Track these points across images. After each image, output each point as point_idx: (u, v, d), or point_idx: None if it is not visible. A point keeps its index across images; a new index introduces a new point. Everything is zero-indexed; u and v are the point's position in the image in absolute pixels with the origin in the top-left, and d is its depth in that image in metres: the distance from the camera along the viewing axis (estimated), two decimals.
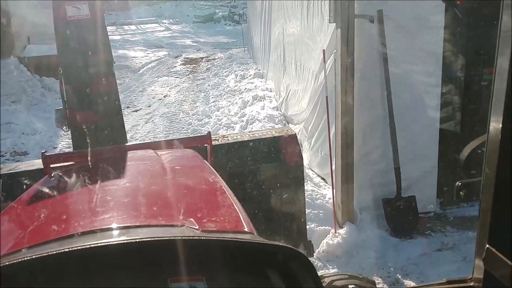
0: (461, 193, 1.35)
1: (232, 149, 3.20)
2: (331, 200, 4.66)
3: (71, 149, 3.77)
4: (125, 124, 3.49)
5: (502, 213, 1.09)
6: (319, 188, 5.25)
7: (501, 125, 1.03)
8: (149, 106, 10.96)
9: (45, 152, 2.25)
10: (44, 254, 1.03)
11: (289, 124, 7.61)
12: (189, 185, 1.83)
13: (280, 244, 1.13)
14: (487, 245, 1.11)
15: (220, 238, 1.20)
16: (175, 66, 16.55)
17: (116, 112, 3.27)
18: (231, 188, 1.77)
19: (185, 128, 8.73)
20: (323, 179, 5.59)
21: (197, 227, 1.26)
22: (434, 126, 4.65)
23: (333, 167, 4.65)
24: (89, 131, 3.16)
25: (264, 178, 3.22)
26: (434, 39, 4.49)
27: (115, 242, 1.15)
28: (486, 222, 1.12)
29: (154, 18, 32.56)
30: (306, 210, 4.31)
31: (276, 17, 9.33)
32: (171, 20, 32.47)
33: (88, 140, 3.07)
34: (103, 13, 3.37)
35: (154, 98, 11.80)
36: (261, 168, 3.22)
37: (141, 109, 10.74)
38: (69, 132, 3.40)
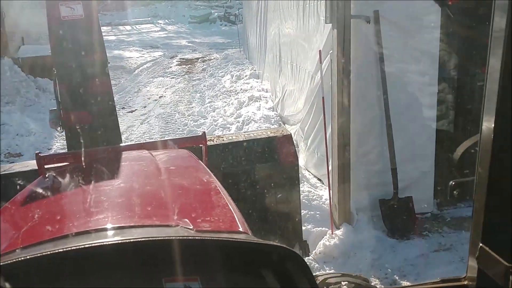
0: (454, 192, 1.36)
1: (227, 150, 3.21)
2: (328, 201, 4.65)
3: (65, 150, 3.75)
4: (120, 125, 3.46)
5: (495, 212, 1.10)
6: (316, 189, 5.23)
7: (493, 125, 1.04)
8: (145, 107, 10.92)
9: (39, 153, 2.26)
10: (38, 255, 1.03)
11: (285, 124, 7.60)
12: (183, 185, 1.84)
13: (275, 243, 1.13)
14: (481, 244, 1.11)
15: (215, 238, 1.20)
16: (171, 67, 16.51)
17: (110, 112, 3.25)
18: (226, 188, 1.77)
19: (180, 129, 8.70)
20: (320, 180, 5.58)
21: (191, 227, 1.26)
22: (430, 127, 4.64)
23: (330, 168, 4.63)
24: (84, 132, 3.14)
25: (259, 178, 3.22)
26: (430, 39, 4.49)
27: (110, 242, 1.15)
28: (479, 221, 1.13)
29: (149, 18, 32.49)
30: (303, 211, 4.30)
31: (272, 17, 9.32)
32: (166, 20, 32.42)
33: (82, 141, 3.05)
34: (97, 13, 3.34)
35: (149, 98, 11.76)
36: (256, 168, 3.23)
37: (136, 109, 10.69)
38: (63, 133, 3.38)
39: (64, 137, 3.40)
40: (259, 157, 3.24)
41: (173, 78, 14.35)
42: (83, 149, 2.42)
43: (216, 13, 30.82)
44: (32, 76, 11.34)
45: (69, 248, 1.05)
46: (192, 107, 10.39)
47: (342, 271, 3.76)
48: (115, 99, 3.55)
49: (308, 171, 5.91)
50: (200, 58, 18.20)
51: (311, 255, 4.06)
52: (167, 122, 9.37)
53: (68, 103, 3.21)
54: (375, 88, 4.51)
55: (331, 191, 4.59)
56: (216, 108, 9.54)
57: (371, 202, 4.62)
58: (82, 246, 1.07)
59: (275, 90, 9.11)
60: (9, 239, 1.34)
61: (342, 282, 1.63)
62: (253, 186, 3.22)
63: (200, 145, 2.62)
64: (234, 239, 1.22)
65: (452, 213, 4.77)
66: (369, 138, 4.64)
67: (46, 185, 1.91)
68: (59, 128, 3.32)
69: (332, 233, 4.33)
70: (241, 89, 10.93)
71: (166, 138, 3.31)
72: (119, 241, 1.15)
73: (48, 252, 1.04)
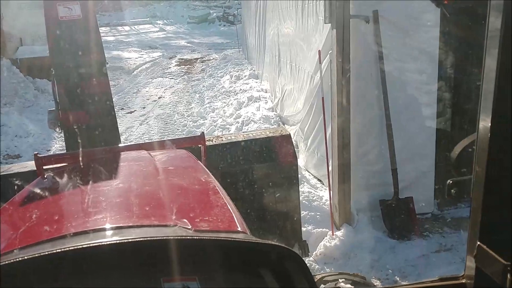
0: (452, 191, 1.37)
1: (226, 150, 3.20)
2: (328, 201, 4.63)
3: (64, 151, 3.73)
4: (118, 126, 3.45)
5: (493, 211, 1.10)
6: (316, 190, 5.21)
7: (490, 124, 1.04)
8: (144, 107, 10.89)
9: (37, 153, 2.27)
10: (36, 255, 1.03)
11: (285, 125, 7.58)
12: (182, 185, 1.84)
13: (273, 243, 1.13)
14: (478, 243, 1.11)
15: (213, 238, 1.20)
16: (170, 67, 16.48)
17: (109, 113, 3.25)
18: (224, 188, 1.78)
19: (180, 130, 8.68)
20: (320, 180, 5.56)
21: (190, 227, 1.27)
22: (430, 126, 4.63)
23: (330, 168, 4.61)
24: (82, 132, 3.13)
25: (258, 178, 3.22)
26: (429, 38, 4.48)
27: (108, 242, 1.15)
28: (477, 219, 1.13)
29: (148, 19, 32.45)
30: (303, 212, 4.29)
31: (270, 17, 9.30)
32: (165, 21, 32.38)
33: (81, 141, 3.04)
34: (95, 13, 3.33)
35: (148, 99, 11.74)
36: (255, 168, 3.23)
37: (135, 110, 10.67)
38: (62, 134, 3.37)
39: (63, 139, 3.39)
40: (258, 157, 3.25)
41: (172, 78, 14.32)
42: (81, 149, 2.41)
43: (214, 13, 30.79)
44: (30, 77, 11.32)
45: (67, 248, 1.05)
46: (192, 107, 10.37)
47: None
48: (114, 100, 3.54)
49: (308, 171, 5.89)
50: (199, 58, 18.18)
51: (312, 256, 4.04)
52: (166, 123, 9.35)
53: (67, 104, 3.19)
54: (375, 88, 4.49)
55: (331, 191, 4.58)
56: (216, 108, 9.53)
57: (371, 202, 4.61)
58: (80, 246, 1.07)
59: (274, 91, 9.10)
60: (7, 240, 1.34)
61: (340, 280, 1.67)
62: (252, 186, 3.23)
63: (199, 145, 2.62)
64: (232, 239, 1.22)
65: (452, 213, 4.75)
66: (369, 138, 4.62)
67: (45, 185, 1.93)
68: (57, 128, 3.31)
69: (333, 234, 4.31)
70: (240, 89, 10.91)
71: (165, 139, 3.30)
72: (118, 241, 1.16)
73: (46, 253, 1.04)
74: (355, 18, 4.27)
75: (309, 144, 5.91)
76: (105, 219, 1.44)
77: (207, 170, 2.01)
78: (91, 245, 1.08)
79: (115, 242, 1.16)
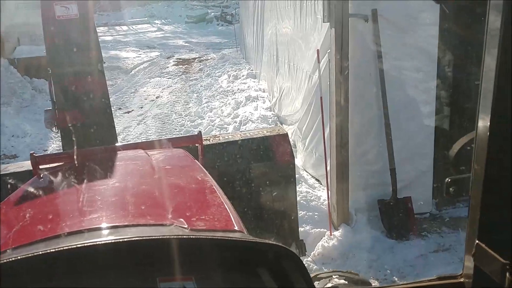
0: (450, 189, 1.37)
1: (223, 149, 3.19)
2: (326, 201, 4.62)
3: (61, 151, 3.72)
4: (116, 126, 3.44)
5: (491, 209, 1.10)
6: (314, 190, 5.20)
7: (489, 123, 1.05)
8: (141, 107, 10.87)
9: (34, 153, 2.26)
10: (30, 255, 1.02)
11: (283, 124, 7.56)
12: (179, 184, 1.83)
13: (270, 242, 1.12)
14: (477, 241, 1.11)
15: (210, 237, 1.20)
16: (168, 67, 16.45)
17: (105, 112, 3.23)
18: (221, 187, 1.78)
19: (177, 129, 8.66)
20: (318, 180, 5.55)
21: (186, 226, 1.26)
22: (429, 126, 4.62)
23: (328, 168, 4.60)
24: (79, 132, 3.12)
25: (255, 177, 3.22)
26: (428, 37, 4.46)
27: (103, 242, 1.13)
28: (475, 218, 1.12)
29: (146, 18, 32.40)
30: (301, 212, 4.28)
31: (268, 17, 9.29)
32: (163, 20, 32.34)
33: (77, 141, 3.03)
34: (93, 12, 3.32)
35: (146, 99, 11.71)
36: (252, 167, 3.23)
37: (133, 110, 10.65)
38: (59, 134, 3.35)
39: (60, 138, 3.38)
40: (255, 156, 3.25)
41: (170, 78, 14.30)
42: (78, 149, 2.40)
43: (212, 13, 30.76)
44: (28, 77, 11.29)
45: (62, 248, 1.04)
46: (189, 107, 10.35)
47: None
48: (111, 99, 3.53)
49: (306, 171, 5.88)
50: (197, 58, 18.15)
51: (310, 257, 4.03)
52: (164, 123, 9.33)
53: (63, 103, 3.18)
54: (373, 87, 4.48)
55: (329, 191, 4.56)
56: (213, 108, 9.50)
57: (370, 202, 4.59)
58: (75, 246, 1.06)
59: (272, 90, 9.08)
60: (1, 239, 1.33)
61: (333, 276, 1.69)
62: (249, 185, 3.23)
63: (196, 145, 2.62)
64: (229, 238, 1.21)
65: (451, 213, 4.75)
66: (367, 138, 4.61)
67: (40, 185, 1.92)
68: (54, 128, 3.30)
69: (331, 234, 4.30)
70: (238, 89, 10.89)
71: (162, 138, 3.30)
72: (113, 241, 1.15)
73: (40, 252, 1.03)
74: (354, 17, 4.26)
75: (307, 143, 5.90)
76: (101, 218, 1.43)
77: (204, 169, 2.00)
78: (86, 244, 1.07)
79: (110, 241, 1.15)
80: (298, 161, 6.07)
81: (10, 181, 2.63)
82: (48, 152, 7.21)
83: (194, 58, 18.10)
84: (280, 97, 8.06)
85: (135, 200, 1.62)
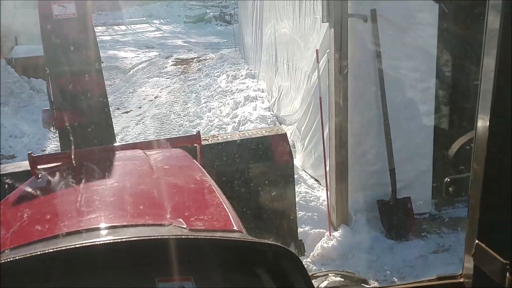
0: (450, 189, 1.37)
1: (222, 149, 3.19)
2: (325, 202, 4.60)
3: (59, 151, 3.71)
4: (114, 126, 3.42)
5: (491, 209, 1.10)
6: (313, 190, 5.18)
7: (488, 123, 1.05)
8: (140, 107, 10.85)
9: (32, 153, 2.26)
10: (28, 255, 1.02)
11: (282, 124, 7.55)
12: (177, 184, 1.83)
13: (269, 242, 1.12)
14: (477, 241, 1.11)
15: (209, 237, 1.19)
16: (166, 67, 16.43)
17: (104, 112, 3.22)
18: (220, 187, 1.78)
19: (176, 130, 8.64)
20: (317, 180, 5.53)
21: (185, 226, 1.26)
22: (429, 126, 4.61)
23: (327, 168, 4.58)
24: (77, 132, 3.11)
25: (254, 177, 3.21)
26: (427, 37, 4.45)
27: (101, 242, 1.13)
28: (475, 218, 1.13)
29: (144, 18, 32.35)
30: (300, 212, 4.27)
31: (267, 17, 9.27)
32: (161, 20, 32.30)
33: (75, 140, 3.02)
34: (90, 12, 3.30)
35: (144, 99, 11.69)
36: (251, 167, 3.24)
37: (131, 110, 10.62)
38: (57, 135, 3.34)
39: (58, 139, 3.36)
40: (254, 156, 3.25)
41: (168, 78, 14.27)
42: (76, 149, 2.38)
43: (211, 13, 30.74)
44: (25, 77, 11.25)
45: (60, 248, 1.03)
46: (188, 107, 10.34)
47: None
48: (109, 99, 3.52)
49: (305, 171, 5.87)
50: (195, 58, 18.13)
51: (309, 257, 4.02)
52: (162, 123, 9.31)
53: (61, 103, 3.17)
54: (373, 87, 4.47)
55: (328, 192, 4.55)
56: (212, 108, 9.49)
57: (369, 203, 4.58)
58: (73, 246, 1.05)
59: (271, 90, 9.07)
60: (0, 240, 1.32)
61: (329, 274, 1.72)
62: (248, 185, 3.23)
63: (195, 145, 2.62)
64: (228, 238, 1.21)
65: (450, 213, 4.74)
66: (367, 138, 4.60)
67: (38, 185, 1.93)
68: (52, 128, 3.29)
69: (330, 235, 4.29)
70: (237, 89, 10.87)
71: (160, 138, 3.29)
72: (111, 241, 1.14)
73: (38, 252, 1.03)
74: (353, 17, 4.24)
75: (306, 144, 5.89)
76: (99, 218, 1.43)
77: (203, 169, 2.00)
78: (84, 244, 1.06)
79: (109, 241, 1.14)
80: (297, 161, 6.06)
81: (8, 181, 2.61)
82: (46, 152, 7.19)
83: (193, 58, 18.07)
84: (279, 97, 8.04)
85: (133, 200, 1.62)
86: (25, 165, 2.71)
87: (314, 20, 5.52)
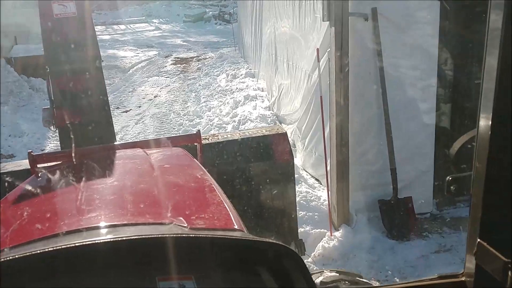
0: (451, 187, 1.36)
1: (222, 148, 3.19)
2: (326, 201, 4.59)
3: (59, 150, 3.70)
4: (114, 125, 3.42)
5: (493, 208, 1.10)
6: (314, 190, 5.17)
7: (490, 123, 1.05)
8: (139, 106, 10.83)
9: (31, 151, 2.25)
10: (28, 254, 1.01)
11: (282, 124, 7.53)
12: (178, 183, 1.83)
13: (270, 241, 1.11)
14: (478, 240, 1.11)
15: (209, 236, 1.19)
16: (166, 66, 16.40)
17: (103, 110, 3.21)
18: (221, 186, 1.77)
19: (176, 129, 8.63)
20: (318, 180, 5.52)
21: (185, 225, 1.26)
22: (430, 125, 4.59)
23: (328, 168, 4.57)
24: (77, 130, 3.11)
25: (254, 175, 3.22)
26: (428, 36, 4.44)
27: (102, 241, 1.13)
28: (476, 216, 1.12)
29: (144, 17, 32.32)
30: (301, 212, 4.26)
31: (267, 16, 9.26)
32: (161, 19, 32.28)
33: (76, 139, 3.01)
34: (90, 11, 3.30)
35: (144, 98, 11.67)
36: (251, 166, 3.24)
37: (131, 109, 10.60)
38: (57, 134, 3.33)
39: (58, 138, 3.35)
40: (254, 155, 3.25)
41: (168, 77, 14.25)
42: (76, 147, 2.37)
43: (210, 12, 30.72)
44: (25, 76, 11.24)
45: (60, 247, 1.03)
46: (188, 106, 10.32)
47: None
48: (109, 98, 3.51)
49: (306, 171, 5.85)
50: (195, 57, 18.10)
51: (310, 257, 4.00)
52: (162, 122, 9.30)
53: (61, 101, 3.16)
54: (373, 86, 4.45)
55: (329, 191, 4.53)
56: (212, 107, 9.47)
57: (370, 202, 4.57)
58: (73, 245, 1.05)
59: (271, 89, 9.05)
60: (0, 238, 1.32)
61: (325, 270, 1.75)
62: (248, 184, 3.23)
63: (195, 144, 2.62)
64: (229, 237, 1.20)
65: (451, 213, 4.73)
66: (367, 137, 4.58)
67: (38, 184, 1.93)
68: (52, 127, 3.28)
69: (331, 235, 4.27)
70: (237, 88, 10.86)
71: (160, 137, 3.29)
72: (112, 239, 1.14)
73: (38, 251, 1.02)
74: (353, 16, 4.23)
75: (306, 143, 5.87)
76: (99, 217, 1.42)
77: (203, 168, 2.00)
78: (84, 243, 1.05)
79: (109, 240, 1.14)
80: (298, 160, 6.04)
81: (8, 180, 2.61)
82: (46, 151, 7.18)
83: (192, 57, 18.05)
84: (279, 96, 8.03)
85: (134, 198, 1.61)
86: (25, 164, 2.71)
87: (314, 19, 5.50)
